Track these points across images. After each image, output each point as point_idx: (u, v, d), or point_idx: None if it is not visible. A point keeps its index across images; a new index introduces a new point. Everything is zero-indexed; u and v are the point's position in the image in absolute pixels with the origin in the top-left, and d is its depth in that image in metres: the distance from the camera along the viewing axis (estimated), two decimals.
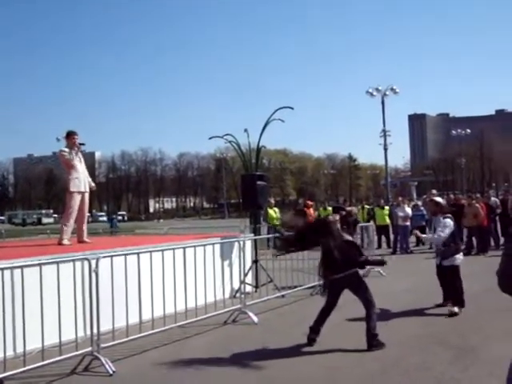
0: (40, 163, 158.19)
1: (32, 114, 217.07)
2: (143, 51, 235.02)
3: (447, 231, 9.14)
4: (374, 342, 7.10)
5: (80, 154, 10.75)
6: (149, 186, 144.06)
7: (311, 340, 7.46)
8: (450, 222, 9.27)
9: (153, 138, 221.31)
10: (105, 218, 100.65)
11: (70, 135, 10.70)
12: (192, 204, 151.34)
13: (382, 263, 8.71)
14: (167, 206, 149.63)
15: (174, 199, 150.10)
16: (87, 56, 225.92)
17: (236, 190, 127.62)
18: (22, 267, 6.34)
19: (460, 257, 9.39)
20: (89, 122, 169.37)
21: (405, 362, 6.60)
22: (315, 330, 7.49)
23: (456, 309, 9.07)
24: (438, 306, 9.56)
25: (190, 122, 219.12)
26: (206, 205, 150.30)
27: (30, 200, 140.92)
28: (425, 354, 6.86)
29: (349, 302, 7.69)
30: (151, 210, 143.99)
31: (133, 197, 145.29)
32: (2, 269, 6.20)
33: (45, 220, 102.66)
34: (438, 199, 10.21)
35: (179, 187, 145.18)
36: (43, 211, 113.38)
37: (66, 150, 10.58)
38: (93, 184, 11.02)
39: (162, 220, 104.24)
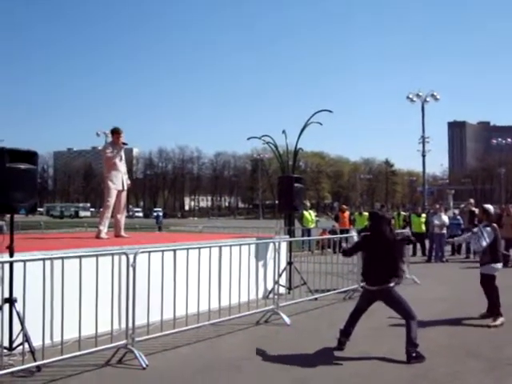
0: (79, 157, 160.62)
1: (72, 109, 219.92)
2: (182, 51, 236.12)
3: (488, 239, 9.08)
4: (413, 354, 6.87)
5: (122, 152, 10.90)
6: (185, 184, 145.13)
7: (341, 343, 7.45)
8: (490, 230, 9.21)
9: (190, 137, 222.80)
10: (141, 214, 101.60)
11: (115, 133, 10.86)
12: (227, 203, 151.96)
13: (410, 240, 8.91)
14: (202, 204, 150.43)
15: (209, 198, 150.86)
16: (130, 54, 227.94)
17: (271, 191, 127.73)
18: (62, 258, 6.49)
19: (497, 266, 9.29)
20: (128, 118, 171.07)
21: (436, 371, 6.55)
22: (345, 332, 7.47)
23: (498, 322, 8.97)
24: (483, 316, 9.40)
25: (228, 122, 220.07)
26: (240, 205, 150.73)
27: (68, 193, 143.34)
28: (457, 365, 6.81)
29: (383, 306, 7.64)
30: (186, 207, 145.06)
31: (169, 194, 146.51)
32: (43, 259, 6.37)
33: (82, 213, 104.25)
34: (488, 206, 10.02)
35: (215, 186, 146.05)
36: (81, 205, 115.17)
37: (110, 147, 10.75)
38: (129, 181, 11.15)
39: (196, 218, 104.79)
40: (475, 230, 9.40)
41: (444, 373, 6.50)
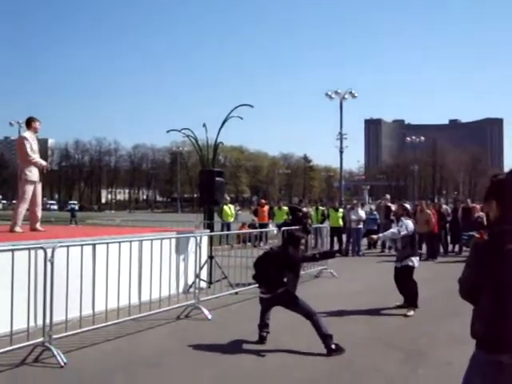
0: None
1: None
2: (102, 39, 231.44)
3: (405, 231, 9.50)
4: (332, 346, 6.95)
5: (36, 141, 10.57)
6: (102, 176, 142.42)
7: (263, 337, 7.51)
8: (411, 223, 9.69)
9: (108, 129, 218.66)
10: (56, 207, 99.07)
11: (31, 121, 10.48)
12: (145, 197, 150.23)
13: (333, 254, 9.21)
14: (120, 197, 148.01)
15: (126, 191, 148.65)
16: (46, 38, 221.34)
17: (190, 184, 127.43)
18: None
19: (415, 259, 9.73)
20: (41, 107, 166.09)
21: (355, 362, 6.72)
22: (263, 325, 7.57)
23: (412, 312, 9.34)
24: (399, 306, 9.75)
25: (146, 114, 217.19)
26: (158, 198, 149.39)
27: None
28: (376, 356, 6.99)
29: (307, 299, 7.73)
30: (103, 200, 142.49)
31: (85, 186, 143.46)
32: None
33: None
34: (406, 204, 10.63)
35: (132, 179, 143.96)
36: None
37: (28, 137, 10.36)
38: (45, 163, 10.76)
39: (113, 211, 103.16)
40: (399, 223, 9.77)
41: (364, 363, 6.67)
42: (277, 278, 7.55)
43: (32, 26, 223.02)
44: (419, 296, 9.75)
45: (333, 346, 6.99)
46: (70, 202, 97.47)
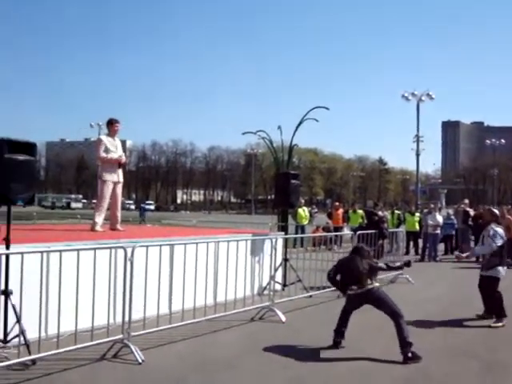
0: (72, 148, 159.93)
1: (66, 99, 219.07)
2: (176, 44, 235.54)
3: (500, 241, 9.04)
4: (409, 354, 6.81)
5: (118, 141, 10.82)
6: (178, 177, 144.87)
7: (337, 343, 7.45)
8: (501, 231, 9.20)
9: (184, 130, 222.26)
10: (133, 207, 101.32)
11: (112, 123, 10.75)
12: (219, 198, 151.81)
13: (407, 265, 8.82)
14: (195, 198, 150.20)
15: (201, 192, 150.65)
16: (125, 48, 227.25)
17: (264, 186, 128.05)
18: (60, 251, 6.43)
19: (503, 269, 9.21)
20: (121, 110, 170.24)
21: (432, 371, 6.56)
22: (339, 332, 7.49)
23: (500, 324, 8.98)
24: (480, 317, 9.41)
25: (222, 116, 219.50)
26: (233, 199, 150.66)
27: (60, 184, 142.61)
28: (452, 365, 6.82)
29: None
30: (179, 201, 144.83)
31: (161, 187, 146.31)
32: (42, 252, 6.31)
33: (74, 205, 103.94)
34: (495, 210, 10.00)
35: (208, 180, 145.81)
36: (72, 196, 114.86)
37: (105, 139, 10.64)
38: (124, 158, 10.98)
39: (188, 212, 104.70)
40: (490, 232, 9.17)
41: (440, 373, 6.51)
42: (367, 273, 7.43)
43: (108, 28, 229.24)
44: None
45: (409, 354, 6.84)
46: (145, 202, 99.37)
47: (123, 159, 10.88)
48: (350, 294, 7.53)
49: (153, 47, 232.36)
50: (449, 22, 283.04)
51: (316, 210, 26.57)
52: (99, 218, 10.56)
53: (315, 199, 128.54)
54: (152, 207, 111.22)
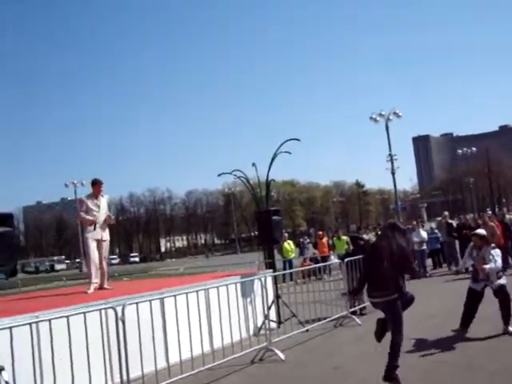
0: (49, 210, 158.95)
1: (38, 161, 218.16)
2: (146, 90, 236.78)
3: (499, 259, 9.47)
4: (393, 375, 6.60)
5: (102, 201, 10.79)
6: (159, 226, 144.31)
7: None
8: (499, 251, 9.72)
9: (160, 178, 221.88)
10: (117, 261, 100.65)
11: (96, 184, 10.80)
12: (203, 241, 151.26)
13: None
14: (178, 244, 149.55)
15: (184, 237, 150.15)
16: (92, 100, 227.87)
17: (246, 224, 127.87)
18: (49, 320, 6.30)
19: (504, 276, 9.59)
20: (94, 166, 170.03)
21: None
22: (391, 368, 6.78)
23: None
24: (455, 331, 9.37)
25: (196, 160, 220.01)
26: (216, 241, 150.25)
27: (41, 247, 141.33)
28: (459, 380, 6.77)
29: (371, 330, 7.53)
30: (163, 249, 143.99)
31: (143, 237, 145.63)
32: (30, 323, 6.20)
33: (58, 266, 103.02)
34: (481, 231, 10.19)
35: (189, 225, 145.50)
36: (55, 258, 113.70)
37: (85, 199, 10.64)
38: (112, 217, 11.00)
39: (173, 259, 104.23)
40: (490, 256, 9.37)
41: None
42: (392, 278, 6.94)
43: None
44: (497, 314, 9.37)
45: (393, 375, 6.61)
46: (129, 255, 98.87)
47: (109, 214, 10.90)
48: (373, 302, 7.23)
49: (122, 95, 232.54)
50: (403, 37, 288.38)
51: (308, 241, 26.33)
52: (95, 280, 10.46)
53: (298, 230, 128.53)
54: (137, 259, 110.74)
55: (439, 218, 24.24)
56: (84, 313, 6.65)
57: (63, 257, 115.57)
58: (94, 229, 10.50)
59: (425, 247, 20.25)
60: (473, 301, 9.51)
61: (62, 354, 6.23)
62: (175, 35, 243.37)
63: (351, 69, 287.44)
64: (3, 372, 6.08)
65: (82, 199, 10.74)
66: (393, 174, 48.18)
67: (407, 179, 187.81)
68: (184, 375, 7.50)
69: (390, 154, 48.19)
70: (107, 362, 7.04)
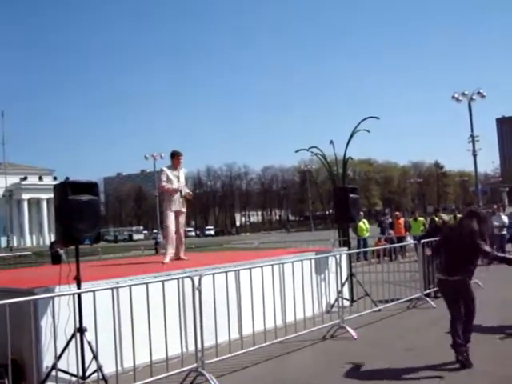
0: (129, 181, 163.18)
1: (119, 133, 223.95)
2: (222, 69, 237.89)
3: None
4: (463, 357, 6.71)
5: (181, 172, 11.01)
6: (234, 200, 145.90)
7: (464, 359, 6.80)
8: None
9: (236, 154, 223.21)
10: (193, 233, 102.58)
11: (175, 155, 11.05)
12: (277, 217, 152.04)
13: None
14: (253, 219, 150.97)
15: (259, 212, 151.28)
16: (170, 75, 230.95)
17: (321, 201, 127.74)
18: (129, 286, 6.55)
19: None
20: (174, 139, 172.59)
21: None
22: (458, 346, 6.88)
23: None
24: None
25: (273, 136, 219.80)
26: (291, 217, 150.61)
27: (120, 217, 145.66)
28: None
29: (445, 316, 7.44)
30: (237, 223, 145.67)
31: (219, 211, 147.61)
32: (112, 288, 6.45)
33: (135, 236, 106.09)
34: None
35: (264, 200, 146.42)
36: (134, 228, 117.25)
37: (166, 169, 10.88)
38: (187, 191, 11.16)
39: (248, 233, 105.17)
40: None
41: None
42: (463, 262, 7.01)
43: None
44: None
45: (460, 358, 6.74)
46: (205, 227, 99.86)
47: (187, 191, 11.10)
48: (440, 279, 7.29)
49: (194, 75, 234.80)
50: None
51: (390, 220, 25.69)
52: (171, 250, 10.75)
53: (374, 210, 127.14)
54: (212, 232, 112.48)
55: None
56: (162, 281, 6.86)
57: (141, 227, 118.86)
58: (174, 200, 10.76)
59: (505, 232, 19.70)
60: None
61: (141, 319, 6.46)
62: None
63: (437, 47, 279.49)
64: (86, 333, 6.41)
65: (163, 169, 11.00)
66: (474, 155, 46.76)
67: (489, 162, 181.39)
68: (256, 346, 7.64)
69: (472, 135, 46.72)
70: (183, 329, 7.25)
